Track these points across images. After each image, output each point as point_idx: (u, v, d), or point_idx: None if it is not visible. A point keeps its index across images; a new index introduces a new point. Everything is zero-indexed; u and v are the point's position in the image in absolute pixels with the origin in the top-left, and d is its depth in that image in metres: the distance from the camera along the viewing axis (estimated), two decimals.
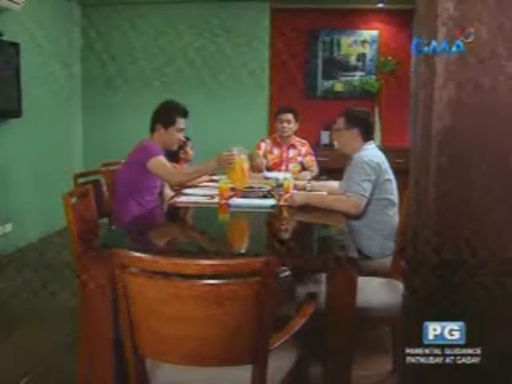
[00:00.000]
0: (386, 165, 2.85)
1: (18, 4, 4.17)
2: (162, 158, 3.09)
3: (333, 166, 4.80)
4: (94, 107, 5.97)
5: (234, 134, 5.63)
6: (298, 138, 4.49)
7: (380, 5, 5.82)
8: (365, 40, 5.97)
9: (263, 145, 4.46)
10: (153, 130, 3.25)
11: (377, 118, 5.83)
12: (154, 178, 3.15)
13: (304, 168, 4.29)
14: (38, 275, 3.98)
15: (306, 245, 2.37)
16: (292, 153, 4.42)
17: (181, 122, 3.24)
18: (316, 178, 4.01)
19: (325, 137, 5.93)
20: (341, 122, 3.01)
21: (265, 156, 4.40)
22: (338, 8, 5.81)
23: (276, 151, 4.43)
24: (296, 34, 6.01)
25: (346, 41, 6.00)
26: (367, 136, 2.98)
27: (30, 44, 4.75)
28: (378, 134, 5.69)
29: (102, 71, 5.93)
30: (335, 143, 5.76)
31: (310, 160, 4.41)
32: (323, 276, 2.22)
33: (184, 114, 3.27)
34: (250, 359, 1.46)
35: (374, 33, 5.96)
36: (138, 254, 1.42)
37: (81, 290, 2.40)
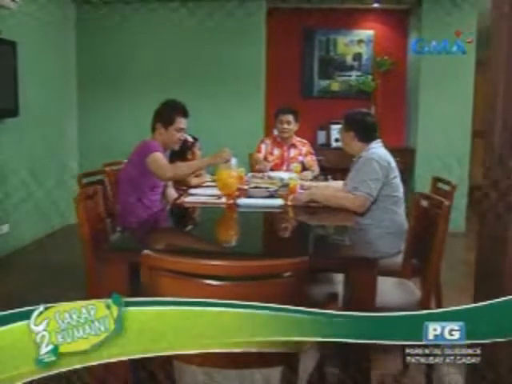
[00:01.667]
0: (393, 163, 2.89)
1: (16, 2, 4.11)
2: (158, 154, 3.03)
3: (330, 166, 4.84)
4: (91, 106, 5.90)
5: (230, 133, 5.61)
6: (298, 138, 4.47)
7: (376, 4, 5.84)
8: (361, 40, 6.00)
9: (263, 146, 4.44)
10: (154, 129, 3.23)
11: None
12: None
13: (305, 168, 4.28)
14: (36, 276, 3.94)
15: (322, 245, 2.36)
16: (293, 152, 4.40)
17: (181, 122, 3.20)
18: (316, 178, 4.02)
19: (321, 136, 5.94)
20: (343, 124, 3.08)
21: (266, 157, 4.39)
22: (334, 7, 5.81)
23: (277, 152, 4.41)
24: (292, 34, 6.01)
25: (342, 40, 6.02)
26: (366, 137, 2.98)
27: (27, 43, 4.68)
28: None
29: (98, 70, 5.86)
30: (332, 143, 5.82)
31: (311, 160, 4.39)
32: (339, 276, 2.22)
33: (184, 113, 3.22)
34: (280, 361, 1.46)
35: (370, 32, 5.99)
36: (170, 257, 1.41)
37: (92, 290, 2.39)
